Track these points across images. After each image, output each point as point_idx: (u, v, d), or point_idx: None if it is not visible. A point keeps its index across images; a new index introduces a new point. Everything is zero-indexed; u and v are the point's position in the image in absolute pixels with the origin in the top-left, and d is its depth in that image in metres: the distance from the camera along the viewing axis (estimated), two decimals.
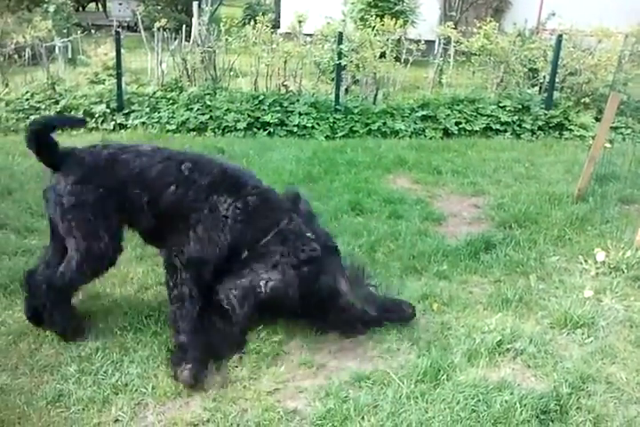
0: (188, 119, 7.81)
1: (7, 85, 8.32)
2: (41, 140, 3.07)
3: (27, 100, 7.93)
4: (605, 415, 2.70)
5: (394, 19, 9.73)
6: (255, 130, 7.89)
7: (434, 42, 10.51)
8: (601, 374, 2.97)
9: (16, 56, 9.04)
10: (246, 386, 2.87)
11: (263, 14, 9.64)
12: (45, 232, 4.41)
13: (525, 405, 2.68)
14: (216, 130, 7.82)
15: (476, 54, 9.23)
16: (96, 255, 3.10)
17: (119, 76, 7.98)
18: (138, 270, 3.92)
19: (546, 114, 8.41)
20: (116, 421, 2.63)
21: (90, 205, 3.05)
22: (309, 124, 7.97)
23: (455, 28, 10.03)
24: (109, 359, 3.01)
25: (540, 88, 9.08)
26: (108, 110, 7.90)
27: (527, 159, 6.84)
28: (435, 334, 3.26)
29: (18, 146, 6.66)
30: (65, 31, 11.27)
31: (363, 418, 2.62)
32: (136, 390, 2.80)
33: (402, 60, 9.17)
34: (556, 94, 8.72)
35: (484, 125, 8.26)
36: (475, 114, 8.36)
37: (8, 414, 2.61)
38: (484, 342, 3.16)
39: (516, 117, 8.35)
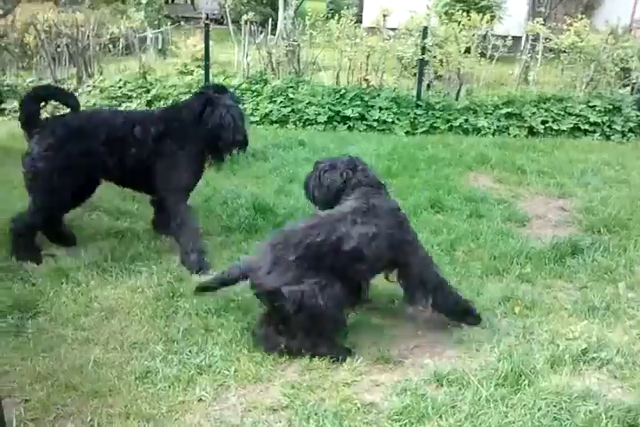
0: (270, 111, 7.94)
1: (102, 73, 8.71)
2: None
3: (119, 88, 8.27)
4: None
5: (480, 13, 9.52)
6: (335, 123, 7.93)
7: (521, 38, 10.22)
8: None
9: (111, 46, 9.44)
10: (324, 376, 2.90)
11: (347, 8, 9.66)
12: (135, 215, 4.65)
13: (611, 416, 2.59)
14: (297, 122, 7.91)
15: (565, 52, 8.91)
16: None
17: (207, 68, 8.19)
18: (222, 256, 4.04)
19: (638, 115, 8.03)
20: (200, 400, 2.72)
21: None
22: (390, 119, 7.94)
23: (544, 25, 9.71)
24: (194, 341, 3.11)
25: (633, 88, 8.66)
26: None
27: (617, 162, 6.56)
28: (516, 338, 3.20)
29: None
30: (156, 23, 11.68)
31: (440, 417, 2.60)
32: (219, 371, 2.89)
33: (487, 56, 8.96)
34: None
35: (572, 125, 7.97)
36: (562, 113, 8.08)
37: (100, 386, 2.75)
38: (568, 350, 3.06)
39: (607, 118, 8.02)
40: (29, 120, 3.87)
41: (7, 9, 8.73)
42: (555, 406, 2.67)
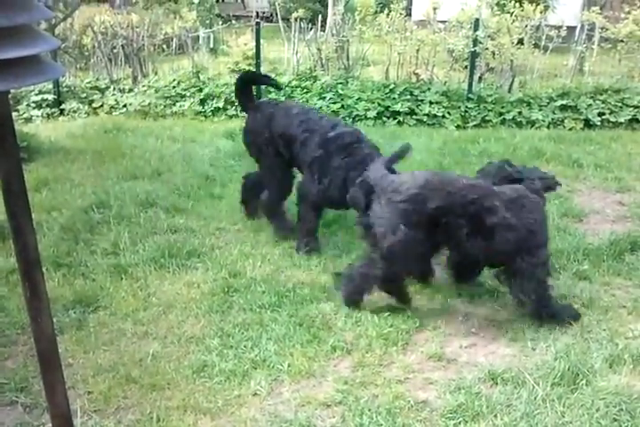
0: (320, 108, 7.96)
1: (156, 73, 8.91)
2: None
3: (173, 87, 8.45)
4: None
5: (532, 4, 9.28)
6: (385, 119, 7.89)
7: (575, 28, 9.92)
8: None
9: (164, 46, 9.64)
10: (376, 372, 2.92)
11: (396, 2, 9.58)
12: (190, 212, 4.75)
13: None
14: (347, 118, 7.90)
15: (622, 41, 8.60)
16: None
17: (258, 66, 8.28)
18: (275, 252, 4.10)
19: None
20: (255, 394, 2.77)
21: None
22: (440, 114, 7.85)
23: (600, 14, 9.39)
24: (248, 335, 3.17)
25: None
26: None
27: None
28: (573, 337, 3.13)
29: (166, 130, 7.15)
30: (208, 22, 11.85)
31: (495, 416, 2.58)
32: (273, 366, 2.94)
33: (541, 47, 8.74)
34: None
35: (630, 117, 7.70)
36: (620, 104, 7.81)
37: (159, 379, 2.84)
38: (627, 349, 2.99)
39: None
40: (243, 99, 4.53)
41: (68, 13, 9.04)
42: (614, 406, 2.61)
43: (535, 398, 2.68)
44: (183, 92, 8.37)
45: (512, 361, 2.98)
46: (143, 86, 8.53)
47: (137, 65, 8.85)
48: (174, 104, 8.22)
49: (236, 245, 4.20)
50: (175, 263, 3.91)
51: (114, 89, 8.59)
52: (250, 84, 4.67)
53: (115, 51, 8.91)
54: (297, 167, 4.36)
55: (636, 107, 7.77)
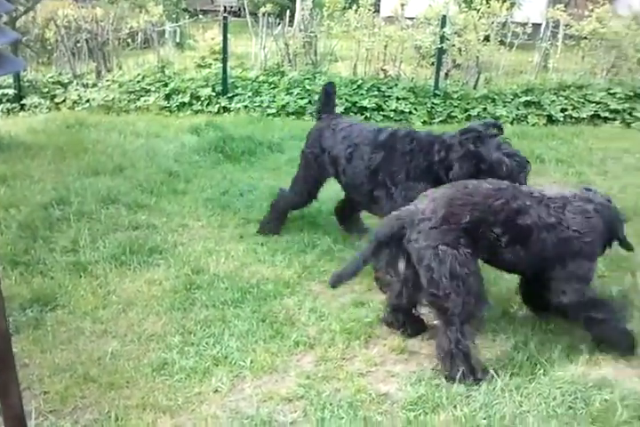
0: (288, 103, 7.95)
1: (120, 68, 8.78)
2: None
3: (138, 82, 8.35)
4: None
5: (499, 1, 9.38)
6: (352, 114, 7.90)
7: (541, 25, 10.06)
8: None
9: (129, 40, 9.50)
10: (339, 366, 2.92)
11: None
12: (153, 208, 4.69)
13: (627, 405, 2.57)
14: (314, 114, 7.88)
15: (586, 38, 8.76)
16: None
17: (225, 61, 8.22)
18: (239, 248, 4.07)
19: None
20: (216, 391, 2.75)
21: None
22: (407, 110, 7.90)
23: (565, 11, 9.54)
24: (210, 332, 3.14)
25: None
26: (214, 94, 8.17)
27: (638, 150, 6.45)
28: (533, 328, 3.18)
29: (129, 126, 7.06)
30: (174, 16, 11.71)
31: (455, 407, 2.60)
32: (235, 363, 2.92)
33: (506, 44, 8.85)
34: None
35: (592, 113, 7.87)
36: (582, 100, 7.97)
37: (117, 378, 2.80)
38: (584, 339, 3.04)
39: (627, 105, 7.89)
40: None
41: (29, 5, 8.83)
42: (570, 395, 2.66)
43: (494, 389, 2.71)
44: (148, 87, 8.27)
45: (473, 352, 3.01)
46: (107, 81, 8.40)
47: (101, 59, 8.72)
48: (139, 99, 8.12)
49: (199, 242, 4.16)
50: (136, 260, 3.85)
51: (77, 84, 8.45)
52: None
53: (78, 45, 8.76)
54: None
55: (597, 103, 7.93)
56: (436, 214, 2.85)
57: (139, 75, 8.45)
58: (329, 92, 4.37)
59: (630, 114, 7.85)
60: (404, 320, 3.17)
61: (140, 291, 3.54)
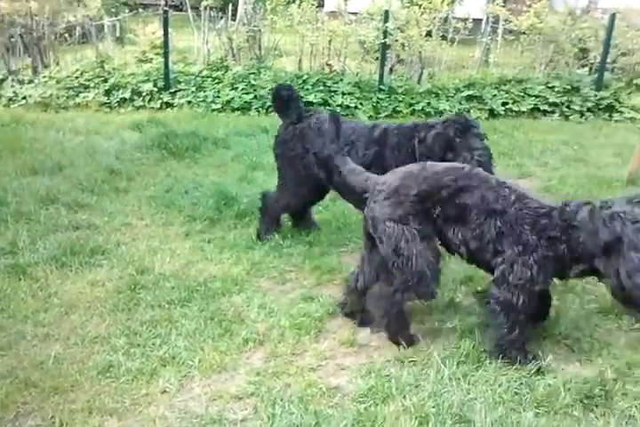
0: (232, 98, 7.86)
1: (58, 64, 8.50)
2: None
3: (76, 77, 8.10)
4: None
5: None
6: None
7: (481, 20, 10.28)
8: None
9: (66, 35, 9.21)
10: (289, 362, 2.91)
11: None
12: (94, 208, 4.57)
13: (569, 389, 2.65)
14: (260, 109, 7.86)
15: (524, 33, 9.00)
16: None
17: (166, 56, 8.06)
18: (185, 246, 4.00)
19: (596, 95, 8.17)
20: (164, 392, 2.69)
21: None
22: (352, 104, 7.94)
23: (504, 6, 9.77)
24: (157, 332, 3.08)
25: (591, 69, 8.82)
26: (155, 89, 8.01)
27: (576, 141, 6.68)
28: (478, 317, 3.24)
29: (68, 123, 6.84)
30: (113, 10, 11.41)
31: (404, 397, 2.63)
32: (183, 362, 2.87)
33: (448, 39, 9.00)
34: (606, 75, 8.46)
35: (532, 106, 8.09)
36: (522, 94, 8.19)
37: (61, 382, 2.71)
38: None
39: (565, 98, 8.15)
40: None
41: None
42: (515, 381, 2.72)
43: (442, 378, 2.75)
44: (87, 83, 8.04)
45: (420, 343, 3.05)
46: (44, 77, 8.13)
47: (37, 55, 8.43)
48: (77, 95, 7.88)
49: (143, 241, 4.07)
50: (78, 261, 3.74)
51: (12, 80, 8.14)
52: None
53: (13, 40, 8.43)
54: None
55: (537, 96, 8.16)
56: (390, 185, 2.98)
57: (77, 70, 8.20)
58: (287, 95, 4.22)
59: (568, 107, 8.11)
60: (355, 308, 3.23)
61: (83, 293, 3.44)
